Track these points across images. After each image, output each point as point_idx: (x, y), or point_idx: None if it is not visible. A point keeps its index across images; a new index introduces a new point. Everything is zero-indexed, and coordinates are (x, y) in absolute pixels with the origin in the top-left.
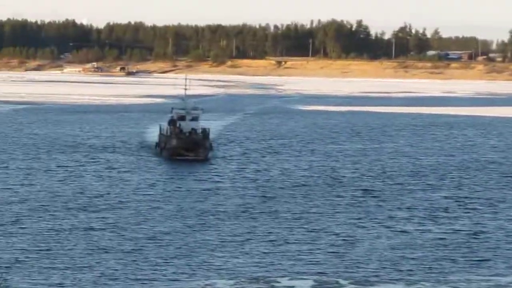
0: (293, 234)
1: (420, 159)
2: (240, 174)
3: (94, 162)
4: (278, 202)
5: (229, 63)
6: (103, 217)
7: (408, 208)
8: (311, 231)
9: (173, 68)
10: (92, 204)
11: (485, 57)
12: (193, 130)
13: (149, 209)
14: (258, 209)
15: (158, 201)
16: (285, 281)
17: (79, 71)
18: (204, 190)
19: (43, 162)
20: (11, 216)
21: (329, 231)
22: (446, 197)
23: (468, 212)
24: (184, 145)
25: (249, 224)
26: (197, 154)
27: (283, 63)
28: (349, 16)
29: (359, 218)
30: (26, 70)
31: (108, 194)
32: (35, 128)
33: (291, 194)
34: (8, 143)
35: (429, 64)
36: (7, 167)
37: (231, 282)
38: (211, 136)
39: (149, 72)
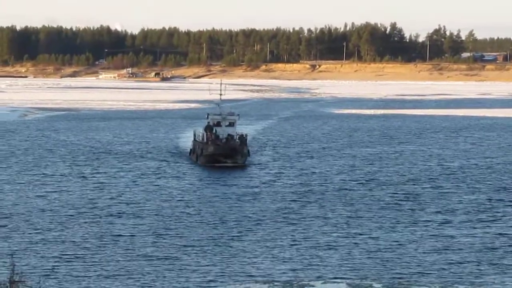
0: (330, 238)
1: (457, 161)
2: (277, 179)
3: (129, 169)
4: (316, 206)
5: (263, 67)
6: (141, 224)
7: (446, 211)
8: (349, 235)
9: (207, 73)
10: (129, 211)
11: None
12: (230, 136)
13: (187, 215)
14: (297, 213)
15: (196, 207)
16: (319, 285)
17: (114, 77)
18: (242, 195)
19: (78, 168)
20: (47, 223)
21: (367, 234)
22: (485, 200)
23: (508, 215)
24: (222, 151)
25: (287, 228)
26: (235, 160)
27: (317, 66)
28: (383, 18)
29: (397, 222)
30: (62, 76)
31: (145, 200)
32: (70, 134)
33: (329, 198)
34: (44, 149)
35: (464, 66)
36: (43, 174)
37: (265, 286)
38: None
39: (184, 78)
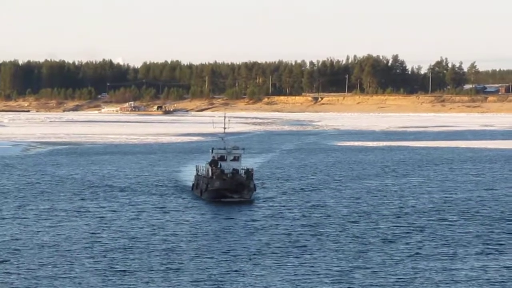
0: (336, 272)
1: (460, 193)
2: (284, 213)
3: (132, 203)
4: (322, 239)
5: (265, 100)
6: (145, 259)
7: (451, 244)
8: (354, 269)
9: (210, 106)
10: (133, 246)
11: None
12: (235, 170)
13: (193, 250)
14: (302, 247)
15: (202, 242)
16: None
17: (117, 111)
18: (250, 230)
19: (80, 203)
20: (49, 258)
21: (372, 268)
22: (489, 232)
23: None
24: (228, 186)
25: (294, 261)
26: (242, 195)
27: (320, 99)
28: (385, 51)
29: (403, 254)
30: (64, 110)
31: (150, 236)
32: (72, 169)
33: (334, 231)
34: (46, 184)
35: (466, 98)
36: (45, 208)
37: None
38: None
39: (186, 111)
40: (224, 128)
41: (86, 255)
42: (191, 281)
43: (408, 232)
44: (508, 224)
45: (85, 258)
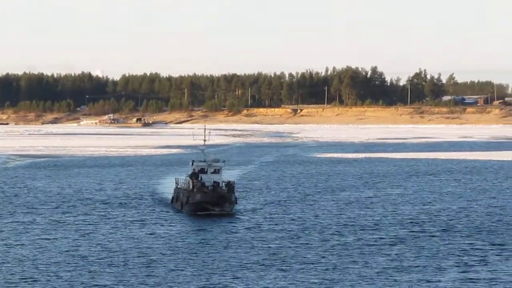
0: (318, 284)
1: (439, 204)
2: (266, 226)
3: (111, 217)
4: (303, 251)
5: (245, 112)
6: (125, 273)
7: (431, 255)
8: (335, 281)
9: (189, 118)
10: (114, 259)
11: (501, 101)
12: (216, 183)
13: (174, 263)
14: (286, 259)
15: (183, 255)
16: None
17: (96, 123)
18: (232, 243)
19: (58, 216)
20: (27, 272)
21: (353, 280)
22: (469, 243)
23: (491, 258)
24: (210, 199)
25: (275, 274)
26: (223, 208)
27: (299, 111)
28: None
29: (382, 267)
30: (43, 123)
31: (131, 249)
32: (51, 182)
33: (315, 243)
34: (25, 197)
35: (445, 109)
36: (23, 221)
37: None
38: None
39: (165, 123)
40: (204, 140)
41: (65, 269)
42: None
43: (388, 244)
44: (487, 235)
45: (64, 272)
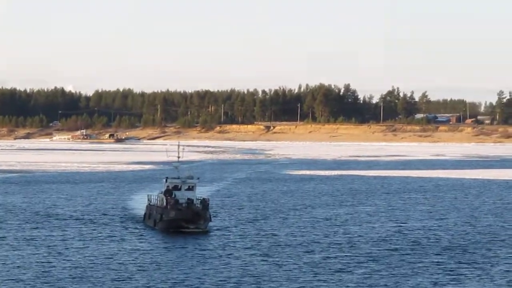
0: None
1: (411, 222)
2: (238, 243)
3: (81, 234)
4: (278, 268)
5: (217, 128)
6: None
7: (403, 274)
8: None
9: (162, 134)
10: (85, 277)
11: (473, 119)
12: (190, 200)
13: (152, 281)
14: (261, 277)
15: (157, 274)
16: None
17: (68, 139)
18: (205, 260)
19: (27, 233)
20: None
21: None
22: (442, 261)
23: (467, 277)
24: (184, 216)
25: None
26: (198, 226)
27: (272, 127)
28: (336, 80)
29: (359, 284)
30: (16, 138)
31: (103, 267)
32: (22, 197)
33: (289, 260)
34: None
35: (417, 127)
36: None
37: None
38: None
39: (138, 139)
40: (178, 157)
41: (35, 286)
42: None
43: (360, 262)
44: (459, 253)
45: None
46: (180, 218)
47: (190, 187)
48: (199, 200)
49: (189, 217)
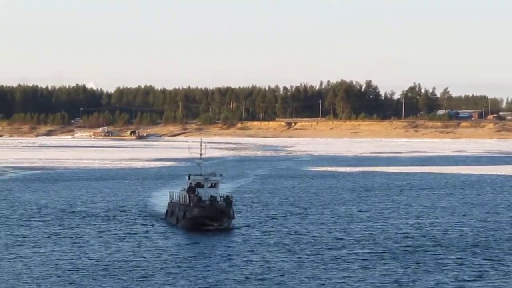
0: None
1: (432, 219)
2: (264, 241)
3: (103, 231)
4: (303, 265)
5: (239, 125)
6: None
7: (427, 271)
8: None
9: (183, 131)
10: (109, 273)
11: (495, 115)
12: (213, 197)
13: (175, 278)
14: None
15: (182, 271)
16: None
17: (90, 136)
18: (229, 257)
19: (50, 230)
20: (24, 287)
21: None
22: (465, 258)
23: (488, 273)
24: (208, 214)
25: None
26: (221, 223)
27: (293, 124)
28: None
29: (385, 281)
30: (37, 135)
31: (126, 263)
32: (44, 194)
33: (313, 257)
34: (18, 210)
35: (439, 123)
36: (17, 234)
37: None
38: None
39: (160, 136)
40: (201, 154)
41: (59, 283)
42: None
43: (382, 258)
44: (482, 250)
45: (57, 286)
46: (203, 215)
47: (213, 184)
48: (222, 197)
49: (212, 215)
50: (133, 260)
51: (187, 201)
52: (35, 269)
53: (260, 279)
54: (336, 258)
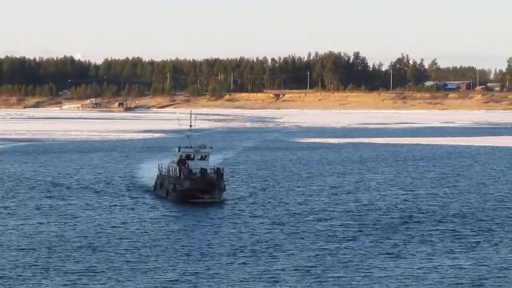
0: (308, 271)
1: (422, 190)
2: (251, 212)
3: (92, 203)
4: (292, 237)
5: (227, 96)
6: (114, 258)
7: (418, 241)
8: (328, 267)
9: (171, 103)
10: (100, 245)
11: (483, 86)
12: (203, 170)
13: (164, 250)
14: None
15: (173, 243)
16: None
17: (78, 107)
18: (219, 229)
19: (39, 202)
20: (10, 256)
21: (344, 266)
22: (451, 228)
23: (477, 243)
24: (199, 186)
25: (266, 260)
26: (213, 196)
27: (281, 96)
28: (346, 48)
29: (374, 252)
30: (25, 107)
31: (115, 236)
32: (33, 166)
33: (302, 228)
34: (6, 182)
35: (427, 95)
36: (7, 207)
37: None
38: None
39: (148, 107)
40: (190, 125)
41: (50, 255)
42: (160, 281)
43: (370, 230)
44: (468, 220)
45: (47, 257)
46: (194, 188)
47: (203, 156)
48: (213, 170)
49: (204, 187)
50: (122, 232)
51: (178, 174)
52: (22, 241)
53: (250, 251)
54: (325, 230)
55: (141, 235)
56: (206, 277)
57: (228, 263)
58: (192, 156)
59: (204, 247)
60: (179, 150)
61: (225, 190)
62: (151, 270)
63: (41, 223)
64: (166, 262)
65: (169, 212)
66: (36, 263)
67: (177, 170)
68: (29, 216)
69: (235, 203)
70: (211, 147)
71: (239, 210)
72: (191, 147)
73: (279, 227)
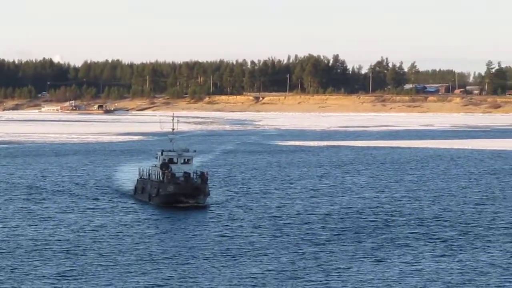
0: (293, 273)
1: (400, 193)
2: (234, 216)
3: (71, 207)
4: (275, 239)
5: (206, 99)
6: (97, 263)
7: (395, 244)
8: (312, 269)
9: (151, 105)
10: (79, 251)
11: (462, 90)
12: (187, 173)
13: (149, 255)
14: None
15: (154, 248)
16: None
17: (57, 110)
18: (201, 232)
19: (17, 205)
20: None
21: (330, 269)
22: (430, 230)
23: (456, 246)
24: (184, 191)
25: (249, 263)
26: (197, 200)
27: (261, 98)
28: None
29: (355, 255)
30: (4, 109)
31: (98, 240)
32: (11, 169)
33: (284, 231)
34: None
35: (406, 98)
36: None
37: None
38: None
39: (127, 110)
40: (173, 129)
41: (25, 258)
42: (140, 285)
43: (348, 233)
44: (451, 223)
45: (28, 261)
46: (178, 192)
47: (187, 160)
48: (196, 174)
49: (188, 192)
50: (101, 237)
51: (161, 178)
52: (2, 244)
53: (230, 255)
54: (305, 233)
55: (120, 239)
56: (187, 281)
57: (209, 267)
58: (175, 159)
59: (184, 251)
60: (162, 154)
61: (209, 195)
62: (131, 273)
63: (18, 226)
64: (147, 266)
65: (150, 216)
66: (12, 267)
67: (160, 174)
68: (6, 219)
69: (217, 207)
70: (195, 151)
71: (219, 213)
72: (174, 151)
73: (259, 231)
